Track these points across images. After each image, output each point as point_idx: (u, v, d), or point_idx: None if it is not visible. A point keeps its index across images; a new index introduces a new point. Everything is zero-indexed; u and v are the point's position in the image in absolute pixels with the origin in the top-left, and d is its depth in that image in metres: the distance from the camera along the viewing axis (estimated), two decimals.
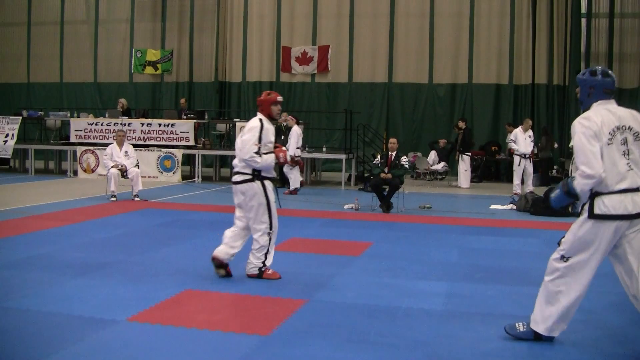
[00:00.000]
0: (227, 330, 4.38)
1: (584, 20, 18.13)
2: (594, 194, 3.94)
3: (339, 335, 4.36)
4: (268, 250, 5.88)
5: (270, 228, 5.86)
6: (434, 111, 19.19)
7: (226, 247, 5.92)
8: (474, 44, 18.81)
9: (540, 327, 4.23)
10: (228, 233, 5.98)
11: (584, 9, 18.11)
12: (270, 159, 5.82)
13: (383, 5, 19.46)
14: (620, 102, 15.25)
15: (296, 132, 13.76)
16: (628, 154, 3.93)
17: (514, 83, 18.56)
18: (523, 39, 18.42)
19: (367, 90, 19.53)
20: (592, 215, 3.94)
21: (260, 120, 5.86)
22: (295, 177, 13.31)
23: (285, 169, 13.22)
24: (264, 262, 5.90)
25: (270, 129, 5.88)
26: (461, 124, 15.19)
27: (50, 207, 10.49)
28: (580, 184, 3.93)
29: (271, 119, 5.96)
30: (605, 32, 18.09)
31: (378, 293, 5.47)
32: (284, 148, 6.12)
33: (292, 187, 13.30)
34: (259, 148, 5.73)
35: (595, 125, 3.93)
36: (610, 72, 4.15)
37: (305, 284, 5.70)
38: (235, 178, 5.89)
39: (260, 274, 5.89)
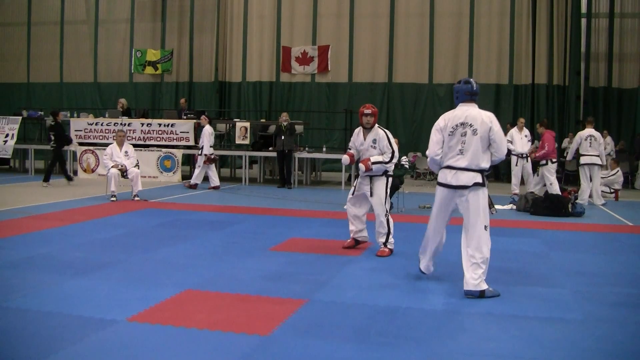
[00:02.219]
0: (227, 330, 4.37)
1: (584, 20, 18.14)
2: (441, 168, 5.60)
3: (339, 335, 4.36)
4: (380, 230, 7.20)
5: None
6: (434, 111, 19.15)
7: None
8: (474, 44, 18.81)
9: (421, 266, 5.96)
10: None
11: (584, 9, 18.11)
12: (343, 158, 7.44)
13: (383, 5, 19.46)
14: (621, 102, 15.33)
15: (207, 131, 14.10)
16: (464, 143, 5.39)
17: (514, 83, 18.56)
18: (523, 39, 18.42)
19: (367, 90, 19.53)
20: (437, 182, 5.68)
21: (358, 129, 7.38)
22: (206, 174, 13.99)
23: (201, 166, 13.99)
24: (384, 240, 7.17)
25: (358, 135, 7.29)
26: None
27: (50, 207, 10.49)
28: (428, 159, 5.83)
29: (363, 127, 7.23)
30: (605, 32, 18.10)
31: (378, 293, 5.47)
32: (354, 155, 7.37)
33: (213, 184, 13.96)
34: (348, 147, 7.50)
35: (442, 122, 5.55)
36: (471, 80, 5.59)
37: (305, 284, 5.70)
38: None
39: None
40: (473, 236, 5.38)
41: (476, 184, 5.38)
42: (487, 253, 5.41)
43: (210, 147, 14.08)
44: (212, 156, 14.08)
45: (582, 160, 12.57)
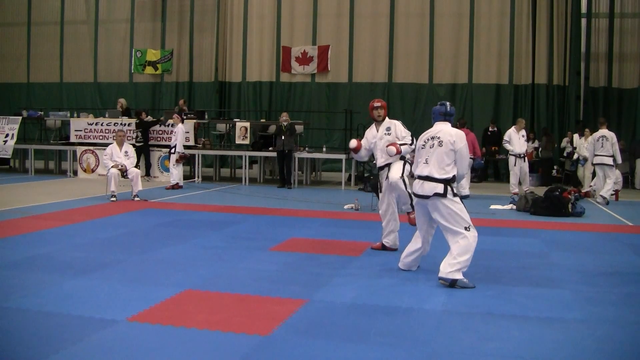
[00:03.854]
0: (227, 330, 4.37)
1: (584, 20, 18.11)
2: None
3: (339, 335, 4.36)
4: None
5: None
6: None
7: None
8: (474, 44, 18.79)
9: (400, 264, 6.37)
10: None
11: (584, 9, 18.09)
12: (351, 142, 7.53)
13: (383, 5, 19.44)
14: (621, 102, 15.39)
15: (181, 129, 14.10)
16: (430, 154, 5.88)
17: (514, 83, 18.54)
18: (523, 39, 18.40)
19: (367, 90, 19.50)
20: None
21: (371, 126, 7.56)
22: (177, 173, 13.89)
23: (171, 164, 14.01)
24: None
25: (370, 130, 7.49)
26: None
27: (50, 207, 10.49)
28: None
29: (375, 121, 7.45)
30: (605, 32, 18.08)
31: (378, 293, 5.47)
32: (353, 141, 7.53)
33: (172, 182, 13.85)
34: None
35: (419, 140, 6.11)
36: (446, 103, 6.21)
37: (305, 284, 5.70)
38: None
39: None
40: (453, 240, 5.75)
41: (436, 194, 5.75)
42: (470, 249, 5.69)
43: (182, 146, 14.05)
44: (184, 154, 13.95)
45: (595, 160, 12.90)
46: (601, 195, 12.63)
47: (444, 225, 5.77)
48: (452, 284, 5.63)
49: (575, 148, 15.80)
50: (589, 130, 14.66)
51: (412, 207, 7.04)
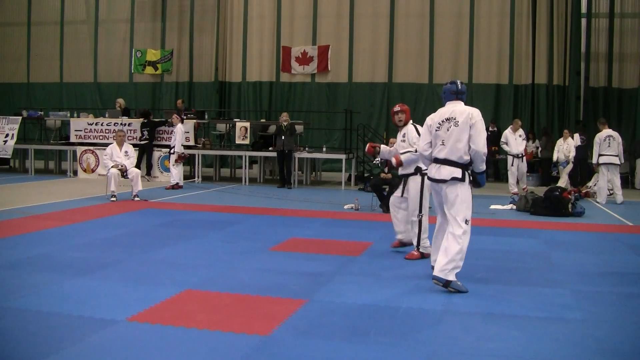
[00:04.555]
0: (227, 330, 4.37)
1: (584, 20, 18.12)
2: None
3: (339, 335, 4.36)
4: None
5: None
6: (434, 111, 18.96)
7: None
8: (474, 44, 18.79)
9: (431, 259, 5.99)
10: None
11: (584, 9, 18.09)
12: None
13: (383, 5, 19.45)
14: (621, 102, 15.40)
15: (180, 130, 14.08)
16: (448, 137, 5.59)
17: (514, 83, 18.54)
18: (523, 39, 18.41)
19: (367, 90, 19.51)
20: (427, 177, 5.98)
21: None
22: (177, 173, 13.86)
23: (171, 164, 13.98)
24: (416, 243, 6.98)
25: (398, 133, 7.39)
26: None
27: (50, 207, 10.49)
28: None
29: (396, 125, 7.36)
30: (605, 32, 18.08)
31: (378, 293, 5.47)
32: (382, 146, 7.52)
33: (172, 182, 13.83)
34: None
35: (430, 120, 5.83)
36: (456, 81, 5.91)
37: (305, 284, 5.70)
38: None
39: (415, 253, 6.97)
40: (450, 229, 5.54)
41: (454, 179, 5.53)
42: (464, 247, 5.51)
43: (181, 145, 14.03)
44: (183, 154, 13.90)
45: (601, 159, 12.90)
46: (619, 196, 12.61)
47: (451, 213, 5.53)
48: (446, 284, 5.46)
49: (539, 148, 16.07)
50: (567, 131, 14.91)
51: (418, 246, 6.95)
